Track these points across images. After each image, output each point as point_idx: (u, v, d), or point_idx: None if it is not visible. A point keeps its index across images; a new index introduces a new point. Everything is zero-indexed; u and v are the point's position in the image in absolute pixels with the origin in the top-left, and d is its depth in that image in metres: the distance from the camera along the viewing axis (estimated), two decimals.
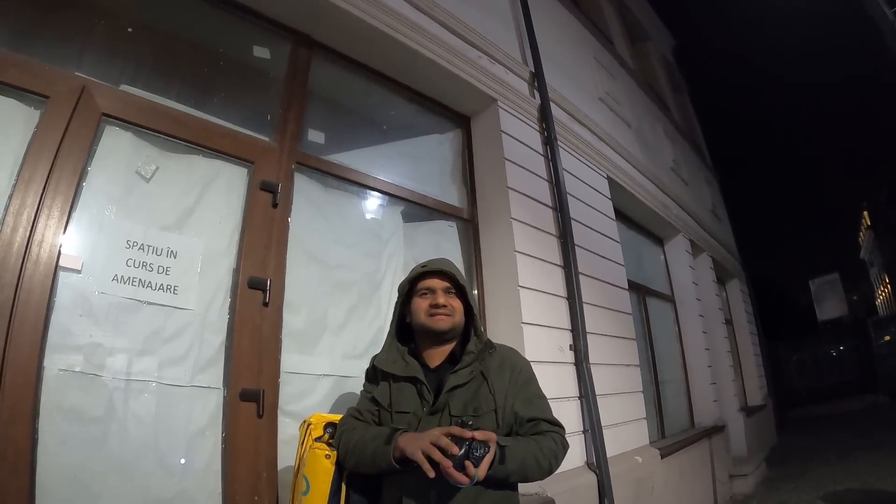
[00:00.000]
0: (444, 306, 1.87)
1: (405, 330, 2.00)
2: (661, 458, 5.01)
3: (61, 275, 2.11)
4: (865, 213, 42.36)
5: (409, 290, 1.96)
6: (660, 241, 7.97)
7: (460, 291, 1.93)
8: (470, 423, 1.59)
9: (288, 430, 2.59)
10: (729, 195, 13.70)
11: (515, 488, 1.84)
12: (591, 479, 3.83)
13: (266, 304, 2.62)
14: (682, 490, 5.55)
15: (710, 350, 8.00)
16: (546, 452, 1.73)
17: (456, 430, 1.57)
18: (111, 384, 2.18)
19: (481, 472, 1.53)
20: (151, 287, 2.36)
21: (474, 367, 1.83)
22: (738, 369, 10.16)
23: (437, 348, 1.92)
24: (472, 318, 1.94)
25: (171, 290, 2.42)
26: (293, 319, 2.80)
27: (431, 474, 1.52)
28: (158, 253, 2.42)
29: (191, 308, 2.47)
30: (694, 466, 6.08)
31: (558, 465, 1.79)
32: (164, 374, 2.34)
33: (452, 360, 1.90)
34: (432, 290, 1.90)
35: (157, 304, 2.37)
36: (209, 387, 2.46)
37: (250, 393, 2.47)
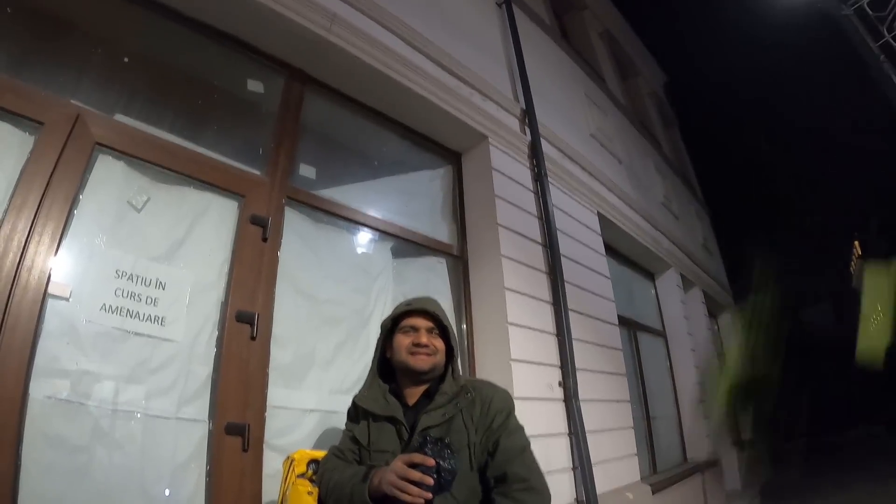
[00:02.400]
0: (427, 346, 1.86)
1: (387, 367, 2.00)
2: (653, 493, 4.96)
3: (49, 302, 2.11)
4: (857, 242, 42.69)
5: (391, 327, 1.96)
6: (651, 276, 7.99)
7: (443, 331, 1.93)
8: (447, 441, 1.58)
9: (273, 465, 2.55)
10: (720, 229, 13.75)
11: None
12: None
13: (253, 338, 2.60)
14: None
15: (703, 384, 7.95)
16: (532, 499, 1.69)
17: (417, 457, 1.55)
18: (96, 413, 2.16)
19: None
20: (139, 317, 2.36)
21: (447, 409, 1.81)
22: None
23: (416, 387, 1.91)
24: (452, 360, 1.94)
25: (159, 321, 2.42)
26: (280, 354, 2.79)
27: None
28: (147, 283, 2.42)
29: (178, 339, 2.46)
30: (687, 502, 6.02)
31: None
32: (150, 404, 2.32)
33: (428, 395, 1.89)
34: (415, 329, 1.89)
35: (144, 335, 2.36)
36: (195, 419, 2.44)
37: (236, 427, 2.44)
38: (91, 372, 2.18)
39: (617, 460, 4.56)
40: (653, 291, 7.99)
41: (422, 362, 1.85)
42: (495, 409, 1.85)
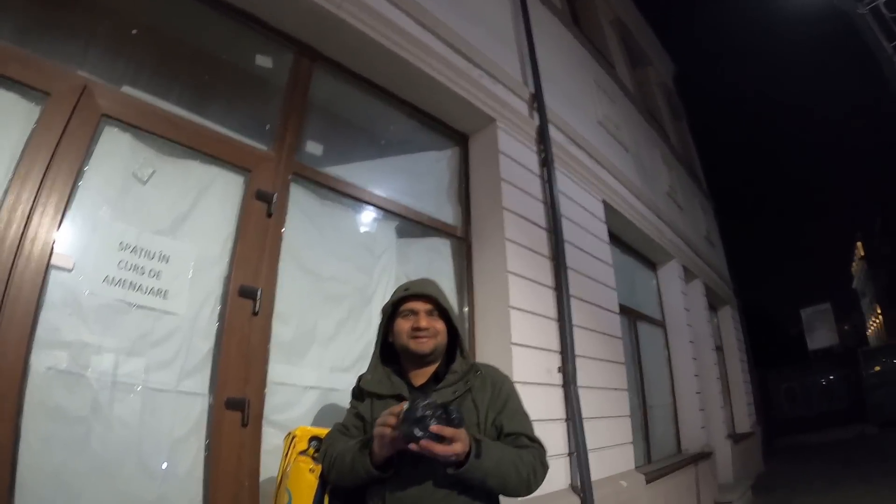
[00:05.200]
0: (427, 329, 1.85)
1: (389, 350, 1.98)
2: (647, 483, 4.99)
3: (52, 273, 2.11)
4: (859, 243, 42.57)
5: (392, 312, 1.94)
6: (653, 266, 8.00)
7: (443, 313, 1.92)
8: (454, 414, 1.54)
9: (272, 441, 2.57)
10: (723, 222, 13.76)
11: (495, 501, 1.81)
12: (575, 501, 3.81)
13: (256, 313, 2.61)
14: None
15: (700, 376, 7.99)
16: (525, 462, 1.71)
17: (397, 408, 1.57)
18: (97, 385, 2.17)
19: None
20: (142, 290, 2.36)
21: (458, 386, 1.82)
22: (727, 396, 10.14)
23: (421, 369, 1.90)
24: (457, 339, 1.94)
25: (162, 294, 2.42)
26: (282, 330, 2.80)
27: (394, 443, 1.54)
28: (151, 256, 2.42)
29: (180, 313, 2.46)
30: (679, 492, 6.05)
31: (538, 482, 1.76)
32: (151, 377, 2.33)
33: (437, 379, 1.88)
34: (414, 312, 1.88)
35: (146, 308, 2.36)
36: (195, 393, 2.45)
37: (236, 401, 2.46)
38: (92, 344, 2.19)
39: (612, 448, 4.59)
40: (654, 282, 8.00)
41: (423, 345, 1.84)
42: (506, 392, 1.88)
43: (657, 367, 7.30)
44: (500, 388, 1.87)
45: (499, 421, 1.79)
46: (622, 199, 6.22)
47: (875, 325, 44.37)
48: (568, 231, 4.50)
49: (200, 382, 2.48)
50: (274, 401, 2.69)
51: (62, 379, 2.09)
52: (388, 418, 1.56)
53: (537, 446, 1.80)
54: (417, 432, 1.49)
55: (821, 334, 31.85)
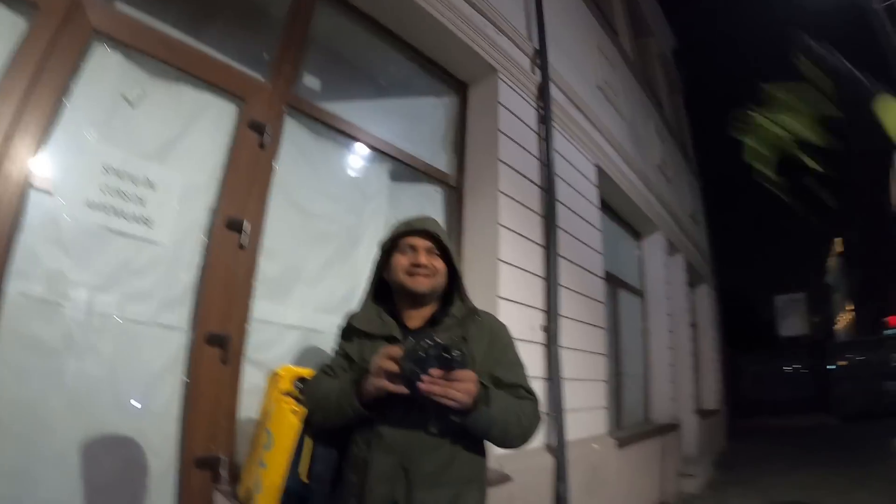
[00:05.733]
0: (425, 266, 1.78)
1: (383, 289, 1.91)
2: (617, 448, 5.08)
3: (31, 195, 2.00)
4: (838, 239, 43.11)
5: (390, 247, 1.87)
6: (638, 236, 8.04)
7: (444, 253, 1.85)
8: (461, 357, 1.49)
9: (251, 380, 2.53)
10: (709, 202, 13.81)
11: (485, 455, 1.78)
12: (549, 461, 3.88)
13: (242, 247, 2.54)
14: (634, 482, 5.65)
15: (674, 349, 8.13)
16: (527, 413, 1.69)
17: (395, 349, 1.53)
18: (73, 315, 2.10)
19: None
20: (124, 217, 2.27)
21: (455, 331, 1.75)
22: (697, 372, 10.32)
23: (416, 310, 1.84)
24: (457, 282, 1.87)
25: (145, 221, 2.33)
26: (268, 266, 2.73)
27: (391, 386, 1.49)
28: (136, 182, 2.32)
29: (163, 242, 2.38)
30: (646, 460, 6.19)
31: (533, 433, 1.74)
32: (129, 309, 2.26)
33: (432, 322, 1.82)
34: (414, 249, 1.80)
35: (128, 235, 2.27)
36: (174, 327, 2.38)
37: (216, 337, 2.40)
38: (70, 271, 2.11)
39: (587, 410, 4.65)
40: (637, 252, 8.06)
41: (420, 283, 1.77)
42: (504, 341, 1.84)
43: (633, 336, 7.40)
44: (499, 337, 1.83)
45: (497, 371, 1.74)
46: (615, 165, 6.20)
47: (844, 320, 45.30)
48: (561, 191, 4.48)
49: (181, 316, 2.41)
50: (255, 339, 2.63)
51: (37, 307, 2.01)
52: (386, 359, 1.50)
53: (534, 398, 1.78)
54: (421, 373, 1.44)
55: (792, 323, 32.49)
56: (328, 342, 2.72)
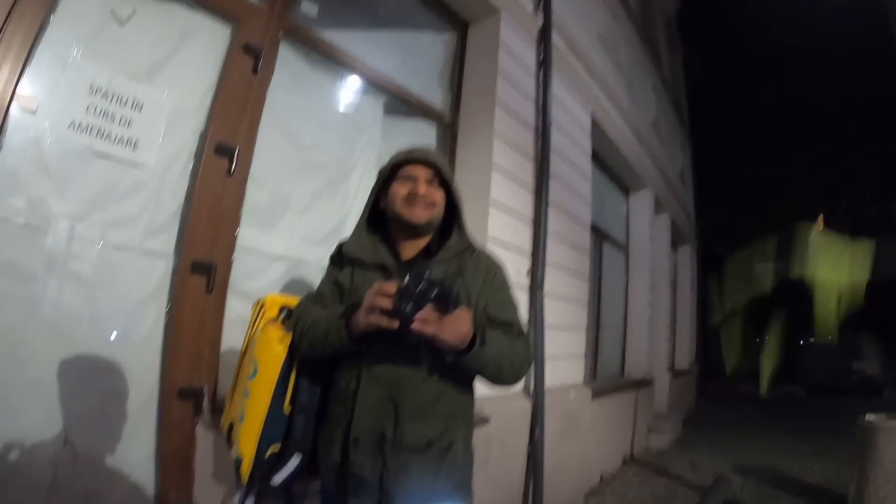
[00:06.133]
0: (424, 197, 1.71)
1: (379, 217, 1.85)
2: (592, 398, 5.18)
3: (13, 114, 1.92)
4: (821, 216, 43.51)
5: (388, 176, 1.80)
6: (626, 191, 8.05)
7: (445, 184, 1.79)
8: (455, 295, 1.45)
9: (235, 310, 2.51)
10: (698, 165, 13.82)
11: (472, 392, 1.77)
12: (527, 406, 3.96)
13: (230, 174, 2.47)
14: (606, 432, 5.80)
15: (653, 307, 8.25)
16: (520, 353, 1.67)
17: (389, 285, 1.48)
18: (54, 239, 2.06)
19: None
20: (110, 139, 2.19)
21: (451, 264, 1.71)
22: (673, 332, 10.50)
23: (412, 241, 1.78)
24: (457, 214, 1.82)
25: (131, 144, 2.25)
26: (256, 194, 2.69)
27: (385, 323, 1.43)
28: (122, 103, 2.23)
29: (149, 166, 2.31)
30: (619, 412, 6.35)
31: (524, 373, 1.73)
32: (112, 234, 2.21)
33: (428, 254, 1.78)
34: (414, 178, 1.73)
35: (113, 158, 2.20)
36: (159, 253, 2.35)
37: (202, 265, 2.36)
38: (52, 194, 2.05)
39: (566, 359, 4.73)
40: (624, 207, 8.08)
41: (418, 214, 1.70)
42: (500, 279, 1.80)
43: (614, 291, 7.49)
44: (495, 275, 1.79)
45: (490, 308, 1.71)
46: (609, 117, 6.16)
47: None
48: (555, 138, 4.44)
49: (166, 242, 2.37)
50: (241, 268, 2.61)
51: (17, 231, 1.96)
52: (379, 295, 1.45)
53: (526, 339, 1.77)
54: (416, 311, 1.40)
55: None
56: (315, 274, 2.70)
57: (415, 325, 1.39)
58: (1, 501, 1.95)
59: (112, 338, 2.22)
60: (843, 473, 5.69)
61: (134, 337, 2.28)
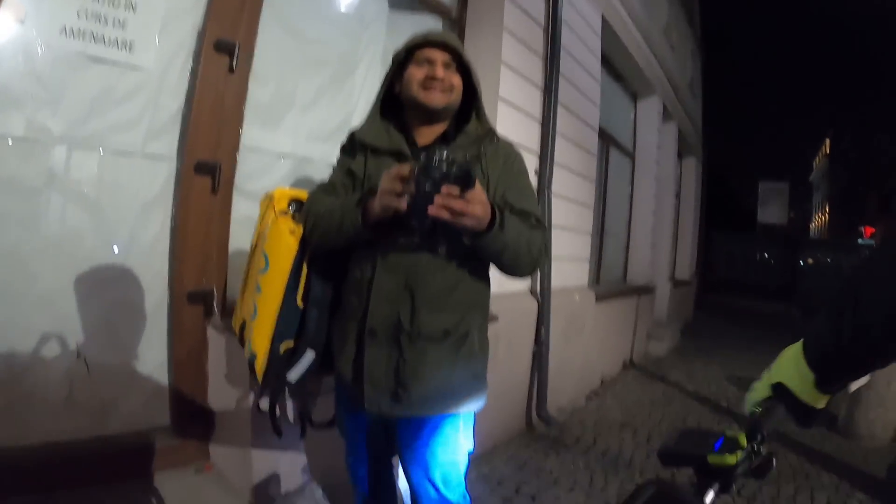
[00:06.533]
0: (442, 80, 1.64)
1: (393, 104, 1.78)
2: (595, 301, 5.25)
3: (0, 26, 1.87)
4: (828, 140, 42.99)
5: (404, 60, 1.71)
6: (634, 97, 7.88)
7: (463, 69, 1.72)
8: (475, 175, 1.37)
9: (242, 210, 2.50)
10: (707, 76, 13.48)
11: (489, 282, 1.75)
12: (533, 305, 4.02)
13: (232, 71, 2.40)
14: (608, 336, 5.93)
15: (657, 215, 8.24)
16: (537, 243, 1.61)
17: (405, 168, 1.42)
18: (53, 151, 2.04)
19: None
20: (104, 42, 2.12)
21: (470, 149, 1.65)
22: (676, 242, 10.54)
23: (428, 126, 1.72)
24: (476, 100, 1.75)
25: (127, 46, 2.18)
26: (259, 91, 2.62)
27: (403, 205, 1.38)
28: (115, 4, 2.14)
29: (147, 68, 2.25)
30: (620, 317, 6.46)
31: (541, 264, 1.69)
32: (113, 140, 2.18)
33: (445, 140, 1.72)
34: (431, 62, 1.65)
35: (109, 62, 2.14)
36: (161, 156, 2.32)
37: (206, 166, 2.34)
38: (48, 104, 2.00)
39: (571, 261, 4.76)
40: (632, 114, 7.93)
41: (435, 99, 1.64)
42: (518, 167, 1.75)
43: (619, 196, 7.46)
44: (514, 162, 1.73)
45: (509, 195, 1.65)
46: (621, 19, 5.93)
47: (820, 220, 46.22)
48: (565, 36, 4.28)
49: (168, 145, 2.34)
50: (245, 167, 2.58)
51: (14, 147, 1.93)
52: (396, 177, 1.40)
53: (543, 228, 1.70)
54: (435, 191, 1.33)
55: (772, 211, 32.86)
56: (322, 172, 2.68)
57: (435, 204, 1.33)
58: (18, 420, 2.01)
59: (118, 247, 2.23)
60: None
61: (140, 244, 2.28)
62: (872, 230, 28.19)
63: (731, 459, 0.82)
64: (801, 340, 0.85)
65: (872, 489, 3.59)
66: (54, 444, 2.07)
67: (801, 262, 18.62)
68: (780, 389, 0.86)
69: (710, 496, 0.82)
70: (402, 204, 1.39)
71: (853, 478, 3.79)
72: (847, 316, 0.70)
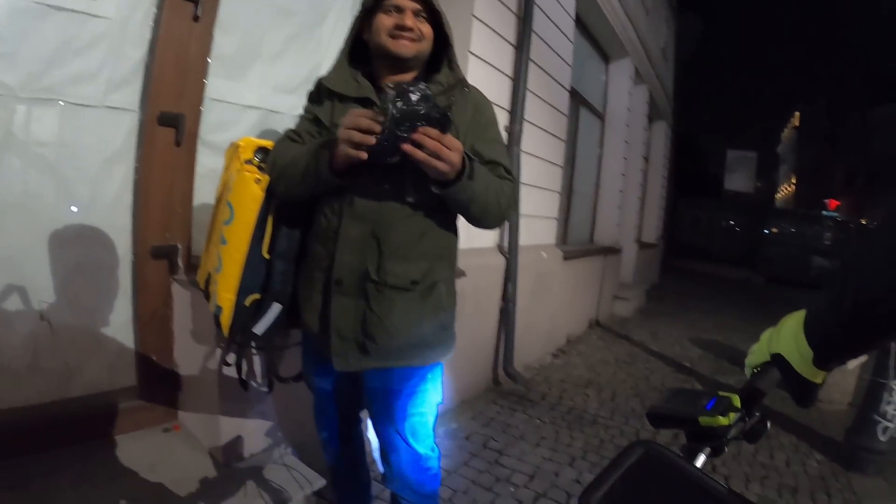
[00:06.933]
0: (411, 29, 1.60)
1: (361, 51, 1.73)
2: (563, 260, 5.32)
3: None
4: (798, 113, 43.57)
5: (373, 5, 1.65)
6: (606, 59, 7.87)
7: (434, 17, 1.66)
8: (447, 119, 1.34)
9: (206, 163, 2.46)
10: (681, 43, 13.48)
11: (457, 233, 1.72)
12: (501, 261, 4.06)
13: (196, 19, 2.33)
14: (575, 295, 6.03)
15: (625, 177, 8.34)
16: (506, 194, 1.60)
17: (366, 113, 1.37)
18: (10, 103, 1.95)
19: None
20: None
21: (440, 99, 1.55)
22: (643, 204, 10.66)
23: (397, 75, 1.67)
24: (447, 49, 1.70)
25: None
26: (225, 40, 2.54)
27: (363, 155, 1.34)
28: None
29: (109, 16, 2.15)
30: (588, 277, 6.55)
31: (509, 216, 1.68)
32: (73, 91, 2.10)
33: None
34: (400, 10, 1.60)
35: (68, 10, 2.04)
36: (123, 108, 2.24)
37: (169, 117, 2.28)
38: (3, 56, 1.91)
39: (539, 219, 4.80)
40: (603, 76, 7.94)
41: (404, 47, 1.60)
42: (489, 117, 1.72)
43: (588, 157, 7.49)
44: (484, 112, 1.70)
45: (478, 145, 1.63)
46: None
47: (785, 191, 47.15)
48: None
49: (130, 96, 2.26)
50: (210, 119, 2.52)
51: None
52: (361, 118, 1.34)
53: (513, 180, 1.69)
54: (407, 132, 1.29)
55: (739, 178, 33.41)
56: (288, 124, 2.62)
57: (408, 146, 1.31)
58: None
59: (80, 202, 2.17)
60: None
61: (102, 199, 2.23)
62: (837, 203, 28.87)
63: (723, 421, 0.79)
64: (803, 312, 0.81)
65: (831, 451, 3.77)
66: (20, 409, 2.04)
67: (766, 231, 19.02)
68: (778, 360, 0.83)
69: (700, 459, 0.80)
70: (363, 154, 1.35)
71: (812, 440, 3.96)
72: (847, 294, 0.69)
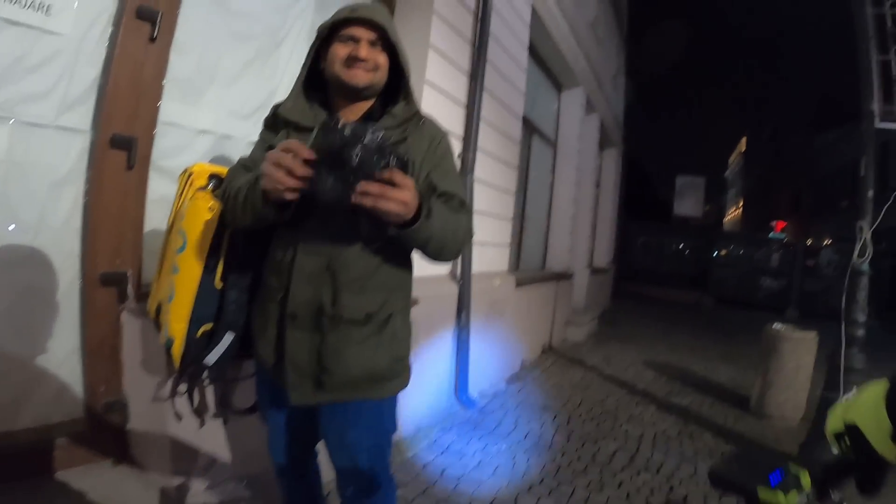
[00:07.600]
0: (365, 60, 1.59)
1: (316, 79, 1.72)
2: (516, 287, 5.37)
3: None
4: (744, 139, 45.29)
5: (329, 34, 1.64)
6: (558, 87, 8.05)
7: (390, 47, 1.66)
8: (404, 159, 1.33)
9: (158, 189, 2.42)
10: (631, 72, 13.89)
11: (411, 264, 1.73)
12: (454, 290, 4.08)
13: (153, 40, 2.30)
14: (528, 321, 6.09)
15: (576, 204, 8.48)
16: (463, 227, 1.60)
17: (294, 143, 1.35)
18: None
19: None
20: (19, 3, 1.97)
21: (394, 133, 1.60)
22: (594, 230, 10.87)
23: (352, 105, 1.68)
24: (403, 80, 1.69)
25: (43, 9, 2.04)
26: (180, 63, 2.52)
27: (288, 195, 1.33)
28: None
29: (64, 33, 2.11)
30: (540, 303, 6.64)
31: (464, 249, 1.69)
32: (24, 109, 2.05)
33: (369, 119, 1.68)
34: (356, 40, 1.59)
35: (23, 25, 1.99)
36: (75, 129, 2.20)
37: (122, 140, 2.24)
38: None
39: (492, 246, 4.85)
40: (556, 104, 8.11)
41: (358, 78, 1.59)
42: (444, 148, 1.70)
43: (540, 184, 7.62)
44: (439, 143, 1.69)
45: (434, 176, 1.62)
46: (550, 10, 6.06)
47: (733, 215, 48.82)
48: (494, 24, 4.34)
49: (83, 117, 2.22)
50: (163, 143, 2.48)
51: None
52: (284, 156, 1.31)
53: (468, 212, 1.69)
54: (353, 176, 1.24)
55: (688, 203, 34.29)
56: (242, 150, 2.62)
57: (357, 198, 1.27)
58: None
59: (28, 226, 2.11)
60: (746, 377, 6.28)
61: (51, 222, 2.17)
62: (783, 224, 29.99)
63: (782, 500, 0.73)
64: (885, 382, 0.74)
65: None
66: None
67: (715, 253, 19.62)
68: (854, 432, 0.75)
69: None
70: (290, 194, 1.33)
71: None
72: None
